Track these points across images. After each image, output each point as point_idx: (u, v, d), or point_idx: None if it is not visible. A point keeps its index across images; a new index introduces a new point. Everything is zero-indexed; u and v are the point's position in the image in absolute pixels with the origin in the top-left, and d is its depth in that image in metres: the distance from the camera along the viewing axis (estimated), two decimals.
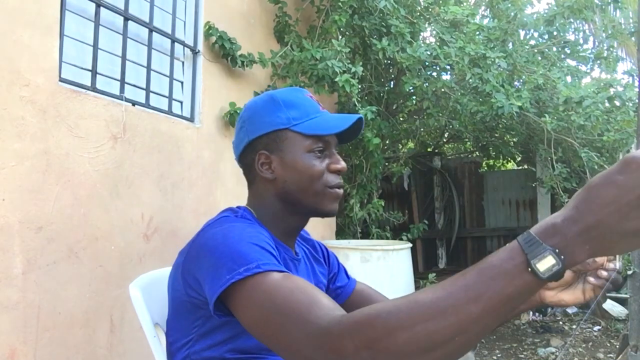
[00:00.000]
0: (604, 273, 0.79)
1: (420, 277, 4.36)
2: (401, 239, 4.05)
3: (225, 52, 2.59)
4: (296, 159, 0.98)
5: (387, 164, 4.46)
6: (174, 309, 0.95)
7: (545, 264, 0.54)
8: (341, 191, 1.03)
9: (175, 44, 2.41)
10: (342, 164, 1.01)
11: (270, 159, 0.99)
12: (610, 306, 4.65)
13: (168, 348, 0.97)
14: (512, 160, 6.18)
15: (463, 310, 0.57)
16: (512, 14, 3.66)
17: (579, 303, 0.89)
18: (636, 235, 0.53)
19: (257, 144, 1.00)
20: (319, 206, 1.00)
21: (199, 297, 0.86)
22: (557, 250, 0.54)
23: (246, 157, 1.03)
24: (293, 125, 0.98)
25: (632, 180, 0.51)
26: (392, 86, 4.43)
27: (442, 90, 3.55)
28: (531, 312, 4.88)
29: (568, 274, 0.90)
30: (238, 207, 1.03)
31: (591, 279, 0.82)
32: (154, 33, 2.25)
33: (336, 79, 2.76)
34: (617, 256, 0.74)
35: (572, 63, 3.98)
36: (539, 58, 3.75)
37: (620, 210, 0.51)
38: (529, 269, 0.55)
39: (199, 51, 2.51)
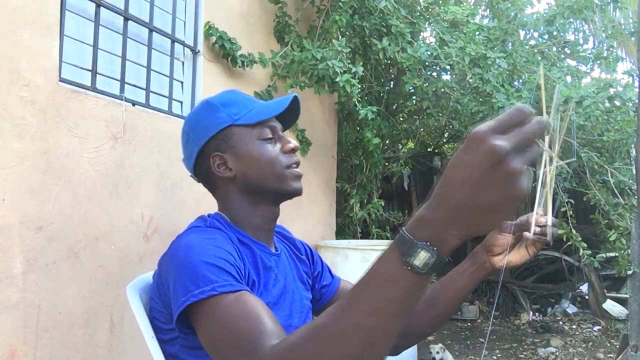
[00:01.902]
0: (537, 229, 0.85)
1: None
2: None
3: (225, 52, 2.59)
4: (249, 150, 0.99)
5: (387, 164, 4.46)
6: (157, 320, 0.96)
7: (420, 259, 0.54)
8: (300, 170, 1.04)
9: (175, 44, 2.41)
10: (294, 143, 1.03)
11: (224, 158, 1.00)
12: (610, 306, 4.65)
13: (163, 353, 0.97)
14: None
15: (362, 326, 0.57)
16: (512, 14, 3.66)
17: (527, 261, 0.96)
18: (494, 209, 0.52)
19: (207, 149, 1.01)
20: (283, 188, 1.01)
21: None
22: (428, 243, 0.54)
23: (201, 166, 1.04)
24: (236, 120, 1.00)
25: (476, 157, 0.51)
26: (392, 86, 4.43)
27: (443, 90, 3.55)
28: (531, 312, 4.89)
29: (506, 239, 0.96)
30: (209, 215, 1.04)
31: (528, 235, 0.87)
32: (154, 33, 2.25)
33: (336, 79, 2.76)
34: (546, 210, 0.77)
35: (572, 63, 3.98)
36: (539, 58, 3.75)
37: (473, 189, 0.51)
38: (408, 268, 0.55)
39: (199, 51, 2.51)
